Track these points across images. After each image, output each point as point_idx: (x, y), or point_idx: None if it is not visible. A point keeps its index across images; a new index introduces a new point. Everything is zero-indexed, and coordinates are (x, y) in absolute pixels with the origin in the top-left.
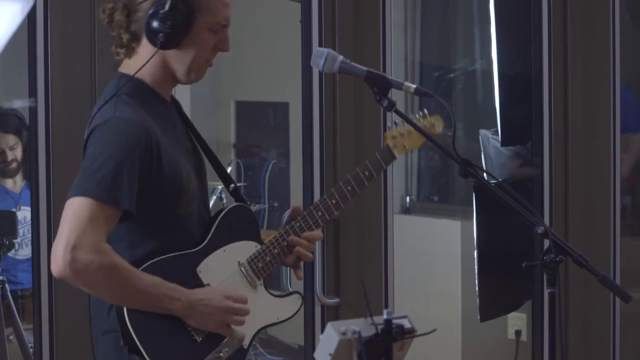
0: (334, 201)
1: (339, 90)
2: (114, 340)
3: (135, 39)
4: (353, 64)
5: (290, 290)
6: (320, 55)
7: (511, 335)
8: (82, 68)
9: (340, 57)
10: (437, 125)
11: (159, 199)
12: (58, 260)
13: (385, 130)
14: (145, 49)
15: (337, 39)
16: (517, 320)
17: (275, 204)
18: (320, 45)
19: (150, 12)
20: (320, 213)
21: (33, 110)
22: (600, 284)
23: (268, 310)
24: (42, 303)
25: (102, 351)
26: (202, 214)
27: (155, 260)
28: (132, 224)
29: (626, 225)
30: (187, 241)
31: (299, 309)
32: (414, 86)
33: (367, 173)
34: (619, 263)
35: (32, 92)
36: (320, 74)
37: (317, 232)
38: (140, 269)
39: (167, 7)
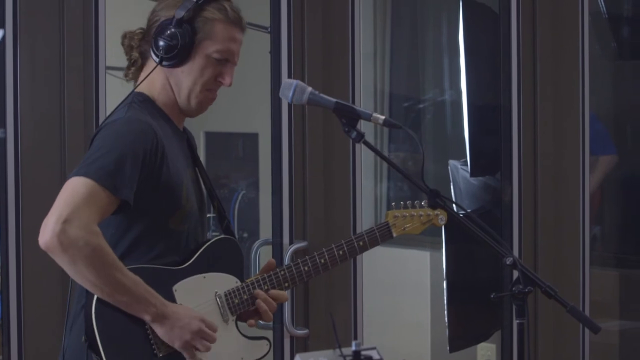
0: (322, 261)
1: (308, 121)
2: (78, 334)
3: (143, 57)
4: (322, 95)
5: (258, 331)
6: (289, 86)
7: None
8: (51, 99)
9: (309, 89)
10: (440, 218)
11: (154, 203)
12: (47, 230)
13: (355, 158)
14: (150, 66)
15: (306, 70)
16: (486, 351)
17: (245, 235)
18: (289, 76)
19: (157, 28)
20: (306, 268)
21: (2, 141)
22: (569, 314)
23: (234, 349)
24: (12, 334)
25: (67, 343)
26: (195, 238)
27: (135, 266)
28: (122, 219)
29: (595, 255)
30: (170, 257)
31: (264, 355)
32: (383, 117)
33: (361, 243)
34: (588, 294)
35: (1, 123)
36: (290, 104)
37: (284, 294)
38: None
39: (172, 23)
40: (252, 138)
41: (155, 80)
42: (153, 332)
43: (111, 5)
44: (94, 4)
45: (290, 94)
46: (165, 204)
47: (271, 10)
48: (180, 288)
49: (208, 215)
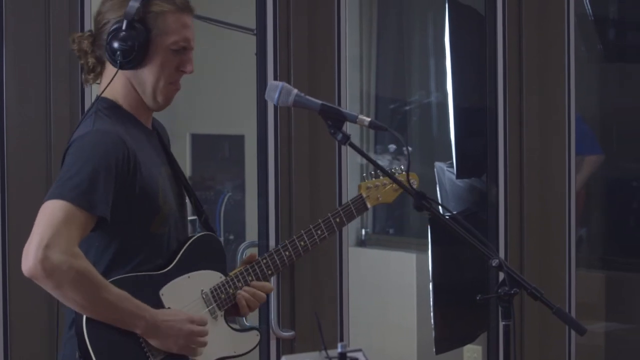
0: (302, 243)
1: (294, 123)
2: (72, 350)
3: (101, 63)
4: (307, 97)
5: (247, 324)
6: (275, 88)
7: None
8: (37, 103)
9: (295, 91)
10: (412, 182)
11: (132, 213)
12: (30, 258)
13: (341, 163)
14: (109, 71)
15: (292, 72)
16: (472, 353)
17: (231, 237)
18: (275, 78)
19: (110, 33)
20: (287, 253)
21: None
22: (555, 316)
23: (226, 342)
24: None
25: (61, 357)
26: (177, 238)
27: (119, 277)
28: (102, 233)
29: (581, 257)
30: (153, 262)
31: (256, 346)
32: (368, 119)
33: (338, 220)
34: (574, 295)
35: None
36: (276, 106)
37: (269, 285)
38: None
39: (124, 27)
40: (238, 140)
41: (116, 83)
42: (145, 341)
43: (96, 7)
44: (79, 6)
45: (276, 96)
46: (143, 211)
47: (257, 12)
48: (167, 291)
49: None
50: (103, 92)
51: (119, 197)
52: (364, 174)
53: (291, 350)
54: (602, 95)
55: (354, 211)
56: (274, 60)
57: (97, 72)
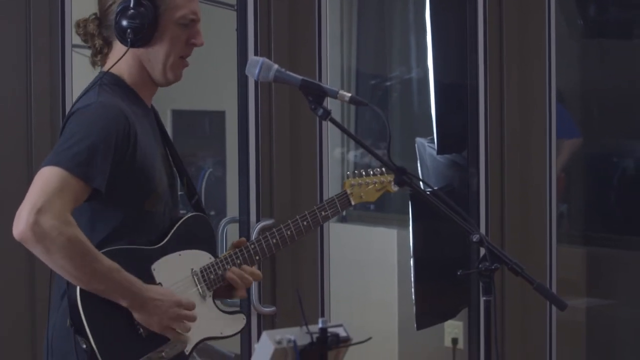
0: (289, 232)
1: (275, 99)
2: (63, 319)
3: (108, 43)
4: (288, 72)
5: (234, 306)
6: (255, 64)
7: (448, 343)
8: (18, 79)
9: (275, 66)
10: (394, 184)
11: (128, 188)
12: (22, 221)
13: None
14: (118, 50)
15: (272, 47)
16: (453, 328)
17: (212, 213)
18: (256, 54)
19: (117, 13)
20: (274, 241)
21: None
22: (536, 291)
23: (213, 323)
24: None
25: (51, 329)
26: (170, 217)
27: (112, 248)
28: (97, 206)
29: (562, 233)
30: (146, 237)
31: (242, 329)
32: (349, 95)
33: (323, 214)
34: (555, 271)
35: None
36: (257, 82)
37: (258, 273)
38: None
39: (132, 5)
40: (219, 116)
41: (122, 61)
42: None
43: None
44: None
45: (257, 72)
46: (139, 187)
47: None
48: (158, 267)
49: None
50: (110, 68)
51: (116, 172)
52: (348, 172)
53: (272, 326)
54: (583, 71)
55: (338, 206)
56: (254, 36)
57: (104, 53)
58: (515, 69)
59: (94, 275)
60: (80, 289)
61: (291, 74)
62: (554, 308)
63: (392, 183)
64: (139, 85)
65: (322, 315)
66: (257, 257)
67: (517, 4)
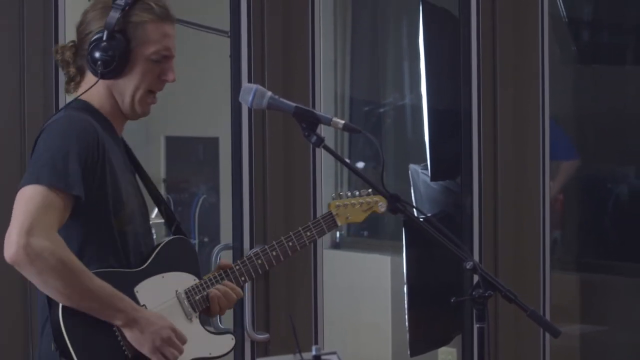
0: (274, 253)
1: (269, 126)
2: (47, 344)
3: (81, 72)
4: (282, 99)
5: (221, 327)
6: (249, 91)
7: None
8: (12, 97)
9: (269, 93)
10: (380, 205)
11: (96, 202)
12: (12, 244)
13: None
14: (90, 79)
15: (266, 74)
16: (447, 355)
17: (206, 239)
18: (249, 80)
19: (91, 43)
20: (260, 261)
21: None
22: (530, 319)
23: (201, 344)
24: None
25: (38, 355)
26: (144, 241)
27: (94, 271)
28: (76, 226)
29: (556, 259)
30: (123, 259)
31: (231, 350)
32: (343, 122)
33: (309, 234)
34: (548, 297)
35: None
36: (250, 109)
37: (239, 290)
38: None
39: (104, 37)
40: (213, 142)
41: (94, 90)
42: (121, 333)
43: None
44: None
45: (250, 99)
46: (107, 201)
47: (231, 15)
48: (142, 289)
49: (159, 222)
50: (80, 96)
51: (87, 183)
52: (332, 194)
53: (266, 353)
54: (577, 97)
55: (324, 227)
56: (248, 62)
57: (77, 81)
58: (508, 95)
59: (85, 294)
60: (63, 312)
61: (285, 101)
62: (547, 335)
63: (379, 203)
64: (109, 114)
65: (316, 342)
66: (243, 278)
67: (511, 30)
